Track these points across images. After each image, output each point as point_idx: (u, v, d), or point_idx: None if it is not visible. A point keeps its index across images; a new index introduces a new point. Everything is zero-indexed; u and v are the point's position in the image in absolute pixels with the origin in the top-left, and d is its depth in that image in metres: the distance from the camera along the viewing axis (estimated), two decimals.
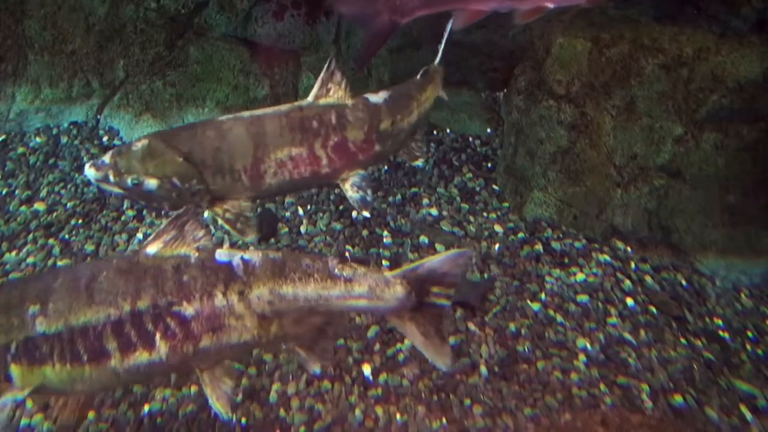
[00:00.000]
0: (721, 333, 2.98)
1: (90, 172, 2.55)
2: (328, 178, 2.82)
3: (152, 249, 2.02)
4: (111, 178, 2.53)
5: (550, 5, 2.85)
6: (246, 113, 2.73)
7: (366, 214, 2.86)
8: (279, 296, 2.02)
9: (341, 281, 2.08)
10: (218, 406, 2.04)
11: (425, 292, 2.14)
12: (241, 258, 2.03)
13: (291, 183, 2.77)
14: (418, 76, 3.14)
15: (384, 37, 3.15)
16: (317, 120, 2.73)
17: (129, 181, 2.53)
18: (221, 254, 2.04)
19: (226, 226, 2.69)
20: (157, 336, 1.92)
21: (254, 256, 2.05)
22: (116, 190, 2.57)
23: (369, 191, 2.84)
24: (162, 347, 1.93)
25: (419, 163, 3.25)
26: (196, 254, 2.03)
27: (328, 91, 2.82)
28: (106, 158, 2.55)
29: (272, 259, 2.05)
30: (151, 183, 2.54)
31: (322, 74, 2.81)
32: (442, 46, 3.21)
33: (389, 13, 2.93)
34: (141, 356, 1.92)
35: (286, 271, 2.04)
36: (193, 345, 1.96)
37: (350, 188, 2.83)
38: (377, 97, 2.92)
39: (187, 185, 2.56)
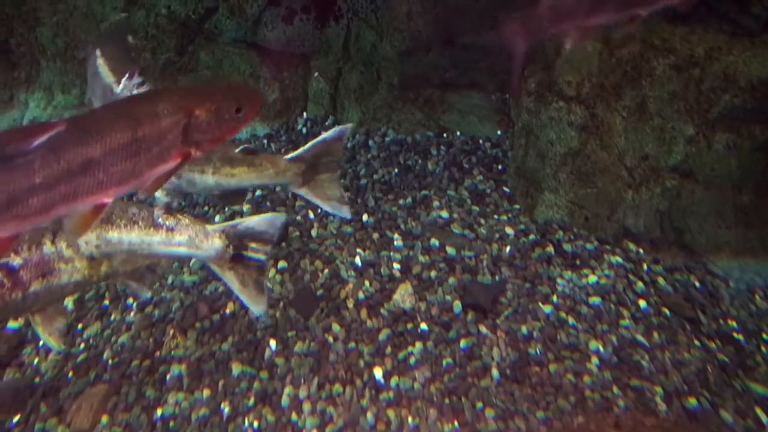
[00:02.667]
0: (735, 335, 2.95)
1: None
2: None
3: None
4: None
5: (643, 13, 2.80)
6: None
7: None
8: (106, 240, 2.29)
9: (163, 229, 2.39)
10: (51, 341, 2.29)
11: (243, 246, 2.48)
12: None
13: None
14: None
15: (525, 58, 3.14)
16: None
17: None
18: None
19: None
20: None
21: None
22: None
23: None
24: None
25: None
26: None
27: None
28: None
29: None
30: None
31: None
32: (308, 145, 2.92)
33: (524, 36, 2.94)
34: None
35: (112, 218, 2.33)
36: (22, 291, 2.17)
37: None
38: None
39: None
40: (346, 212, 2.99)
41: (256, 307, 2.51)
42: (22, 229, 2.07)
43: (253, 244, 2.49)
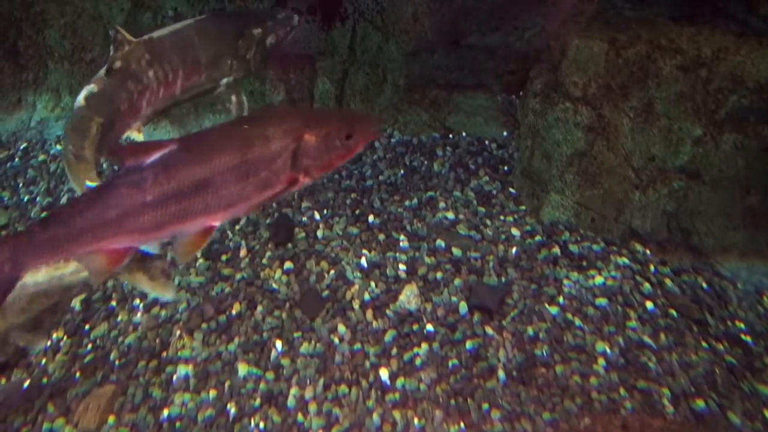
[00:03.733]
0: (743, 336, 2.93)
1: None
2: None
3: None
4: None
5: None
6: None
7: None
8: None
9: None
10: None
11: None
12: None
13: None
14: None
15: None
16: None
17: None
18: None
19: None
20: None
21: None
22: None
23: None
24: None
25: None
26: None
27: None
28: None
29: None
30: None
31: None
32: None
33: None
34: None
35: None
36: None
37: None
38: None
39: None
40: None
41: (167, 294, 2.60)
42: (135, 244, 2.11)
43: None
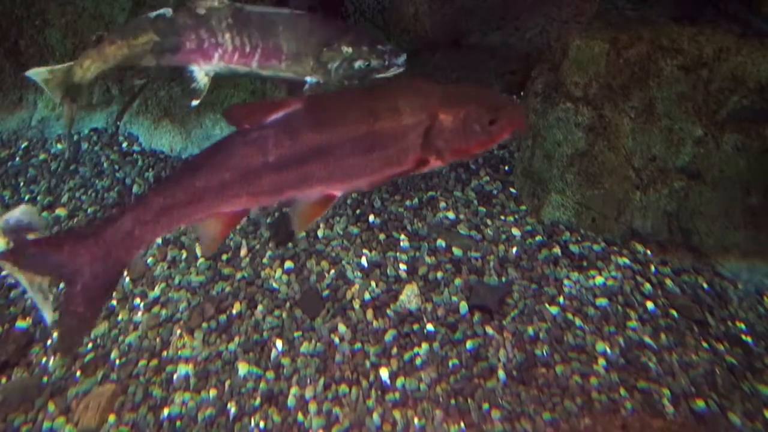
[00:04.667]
0: (743, 337, 2.93)
1: None
2: None
3: None
4: None
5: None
6: None
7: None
8: None
9: None
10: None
11: (21, 240, 2.41)
12: None
13: None
14: None
15: None
16: None
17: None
18: None
19: None
20: None
21: None
22: None
23: None
24: None
25: None
26: None
27: None
28: None
29: None
30: None
31: None
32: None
33: None
34: None
35: None
36: None
37: None
38: None
39: None
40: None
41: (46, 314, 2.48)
42: (252, 207, 1.98)
43: (30, 235, 2.43)
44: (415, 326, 2.90)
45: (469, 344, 2.81)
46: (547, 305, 3.02)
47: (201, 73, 3.20)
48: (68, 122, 3.33)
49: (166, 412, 2.54)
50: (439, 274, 3.18)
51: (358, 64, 3.18)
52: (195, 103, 3.25)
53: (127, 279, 3.19)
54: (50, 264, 1.85)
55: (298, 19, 3.22)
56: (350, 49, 3.18)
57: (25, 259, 1.90)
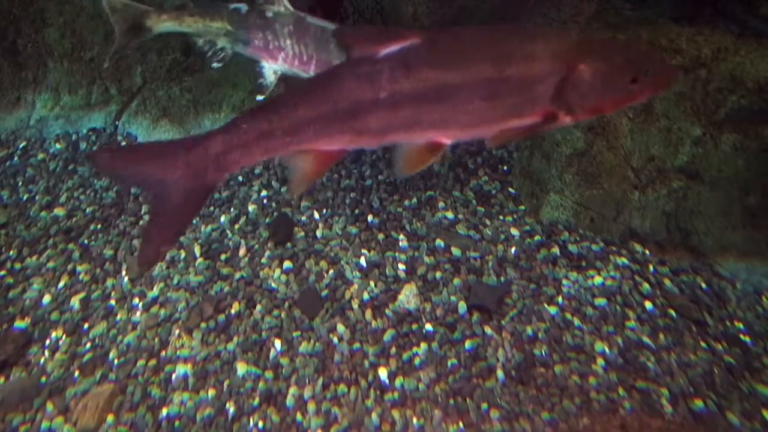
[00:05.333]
0: (742, 337, 2.94)
1: None
2: None
3: None
4: None
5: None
6: None
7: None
8: None
9: None
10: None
11: None
12: None
13: None
14: None
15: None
16: None
17: None
18: None
19: None
20: None
21: None
22: None
23: None
24: None
25: None
26: None
27: None
28: None
29: None
30: None
31: None
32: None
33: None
34: None
35: None
36: None
37: None
38: None
39: None
40: None
41: None
42: (351, 147, 1.83)
43: None
44: (414, 326, 2.90)
45: (467, 344, 2.81)
46: (545, 305, 3.02)
47: (270, 70, 3.36)
48: (115, 51, 3.52)
49: (164, 411, 2.54)
50: (438, 274, 3.18)
51: None
52: (260, 98, 3.37)
53: (126, 279, 3.19)
54: (142, 174, 1.77)
55: None
56: None
57: (117, 164, 1.82)
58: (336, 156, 1.82)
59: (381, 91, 1.69)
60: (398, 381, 2.65)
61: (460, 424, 2.47)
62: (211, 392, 2.61)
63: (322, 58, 3.26)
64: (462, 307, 3.00)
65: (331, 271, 3.21)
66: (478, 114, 1.75)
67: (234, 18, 3.37)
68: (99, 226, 3.58)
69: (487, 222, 3.60)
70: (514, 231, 3.53)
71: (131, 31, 3.51)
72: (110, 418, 2.51)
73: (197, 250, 3.36)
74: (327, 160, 1.82)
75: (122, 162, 1.81)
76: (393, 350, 2.78)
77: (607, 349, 2.80)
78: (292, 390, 2.61)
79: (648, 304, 3.05)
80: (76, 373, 2.70)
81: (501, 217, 3.65)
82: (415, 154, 1.82)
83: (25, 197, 3.88)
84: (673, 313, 3.02)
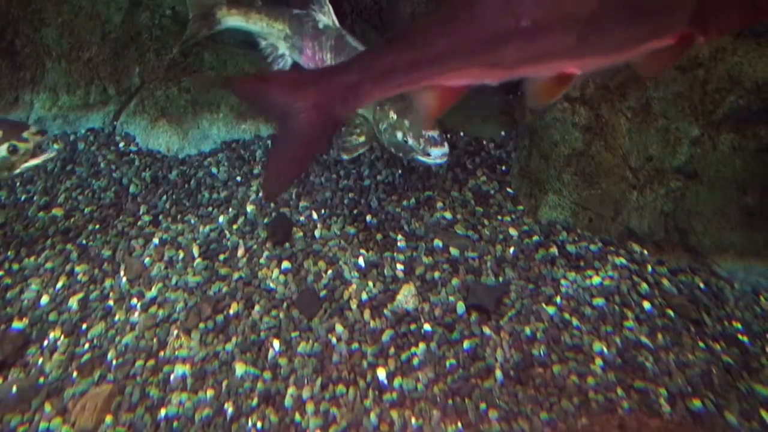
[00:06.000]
0: (740, 336, 2.94)
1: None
2: None
3: None
4: None
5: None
6: None
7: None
8: None
9: None
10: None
11: None
12: None
13: None
14: None
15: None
16: None
17: None
18: None
19: None
20: None
21: None
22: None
23: None
24: None
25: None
26: None
27: None
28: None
29: None
30: None
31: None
32: None
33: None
34: None
35: None
36: None
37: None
38: None
39: None
40: None
41: None
42: (479, 81, 1.73)
43: None
44: (413, 326, 2.90)
45: (466, 344, 2.81)
46: (544, 305, 3.03)
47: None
48: (185, 39, 3.76)
49: (163, 412, 2.53)
50: (437, 274, 3.18)
51: (399, 134, 3.15)
52: None
53: (124, 279, 3.18)
54: (274, 99, 1.74)
55: None
56: (395, 117, 3.17)
57: (248, 88, 1.82)
58: (462, 91, 1.74)
59: (520, 19, 1.56)
60: (397, 381, 2.65)
61: (459, 424, 2.47)
62: (210, 393, 2.61)
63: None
64: (460, 307, 3.00)
65: (329, 272, 3.21)
66: (617, 37, 1.65)
67: (294, 23, 3.47)
68: (97, 226, 3.58)
69: (486, 222, 3.60)
70: (513, 231, 3.53)
71: (203, 20, 3.66)
72: (109, 418, 2.50)
73: (195, 250, 3.36)
74: (452, 96, 1.75)
75: (258, 88, 1.80)
76: (391, 350, 2.78)
77: (605, 349, 2.80)
78: (291, 390, 2.61)
79: (646, 304, 3.05)
80: (75, 374, 2.70)
81: (499, 217, 3.66)
82: (547, 85, 1.73)
83: (23, 197, 3.88)
84: (671, 313, 3.02)
